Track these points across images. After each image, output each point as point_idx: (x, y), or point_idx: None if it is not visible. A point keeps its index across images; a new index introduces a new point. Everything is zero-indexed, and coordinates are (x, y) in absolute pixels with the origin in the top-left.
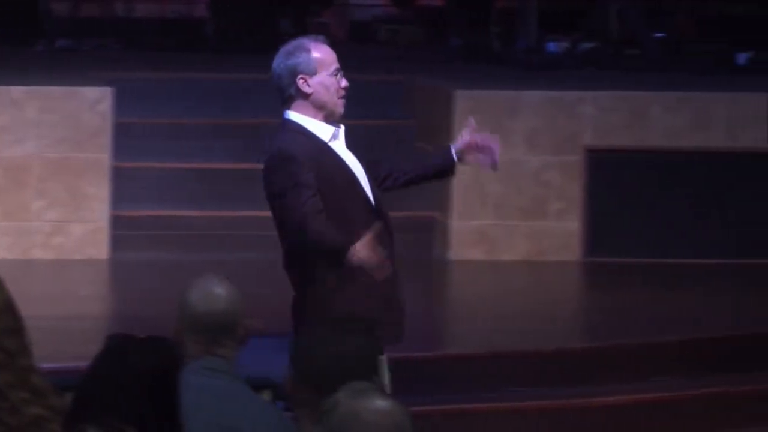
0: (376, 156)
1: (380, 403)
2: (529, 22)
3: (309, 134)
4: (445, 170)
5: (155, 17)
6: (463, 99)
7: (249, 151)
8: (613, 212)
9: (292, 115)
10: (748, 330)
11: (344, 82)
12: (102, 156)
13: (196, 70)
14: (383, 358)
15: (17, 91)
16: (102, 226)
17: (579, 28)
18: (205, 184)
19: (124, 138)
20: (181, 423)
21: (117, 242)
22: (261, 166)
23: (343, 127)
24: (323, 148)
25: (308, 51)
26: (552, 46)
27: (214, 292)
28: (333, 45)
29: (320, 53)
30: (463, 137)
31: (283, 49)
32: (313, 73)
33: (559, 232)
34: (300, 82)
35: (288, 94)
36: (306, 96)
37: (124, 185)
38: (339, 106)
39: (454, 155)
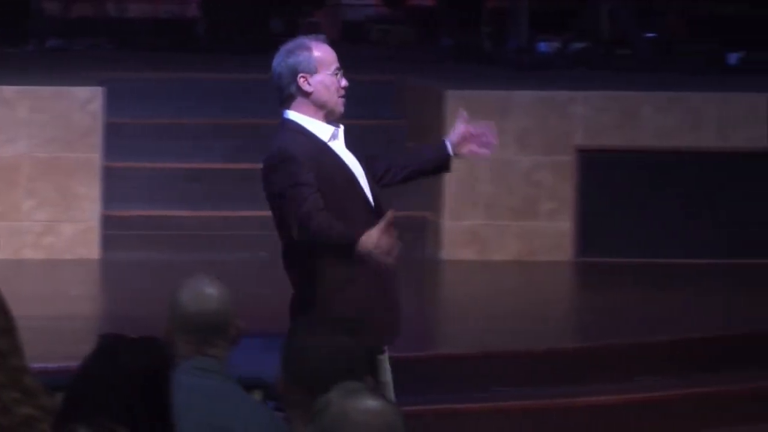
0: (372, 153)
1: (372, 403)
2: (520, 22)
3: (308, 134)
4: (440, 165)
5: (147, 17)
6: (454, 99)
7: (241, 152)
8: (605, 212)
9: (292, 115)
10: (738, 330)
11: (344, 82)
12: (93, 156)
13: (187, 70)
14: (385, 357)
15: (8, 90)
16: (93, 226)
17: (570, 28)
18: (196, 184)
19: (115, 138)
20: (173, 423)
21: (108, 242)
22: (253, 166)
23: (342, 127)
24: (323, 148)
25: (309, 50)
26: (543, 46)
27: (205, 292)
28: None
29: (321, 52)
30: (456, 128)
31: (284, 48)
32: (313, 71)
33: (550, 232)
34: (301, 81)
35: (288, 92)
36: (306, 95)
37: (115, 185)
38: (339, 105)
39: (449, 149)
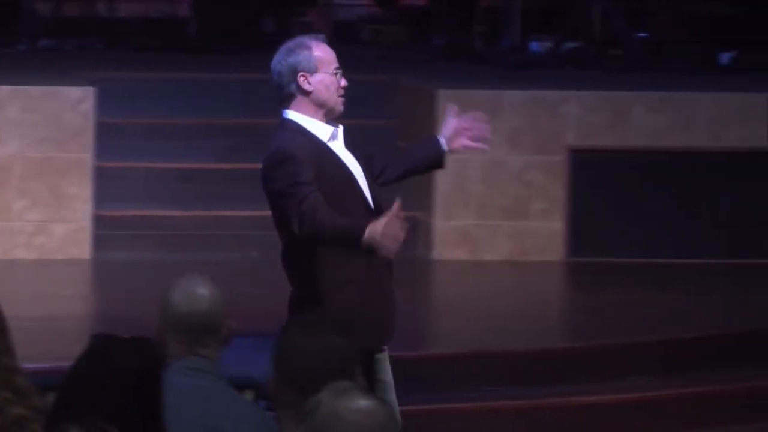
0: (368, 151)
1: (363, 403)
2: (512, 21)
3: (308, 134)
4: (435, 162)
5: (138, 17)
6: (445, 99)
7: (233, 151)
8: (596, 212)
9: (291, 114)
10: (731, 329)
11: (344, 82)
12: (84, 156)
13: (179, 69)
14: (385, 356)
15: None
16: (84, 226)
17: (562, 27)
18: (187, 184)
19: (107, 138)
20: (164, 423)
21: (99, 242)
22: (245, 165)
23: (341, 127)
24: (322, 149)
25: (309, 49)
26: (535, 46)
27: (197, 293)
28: None
29: (321, 52)
30: (448, 123)
31: (284, 47)
32: (314, 71)
33: (541, 232)
34: (301, 80)
35: (288, 91)
36: (306, 94)
37: (107, 185)
38: (339, 105)
39: (444, 145)
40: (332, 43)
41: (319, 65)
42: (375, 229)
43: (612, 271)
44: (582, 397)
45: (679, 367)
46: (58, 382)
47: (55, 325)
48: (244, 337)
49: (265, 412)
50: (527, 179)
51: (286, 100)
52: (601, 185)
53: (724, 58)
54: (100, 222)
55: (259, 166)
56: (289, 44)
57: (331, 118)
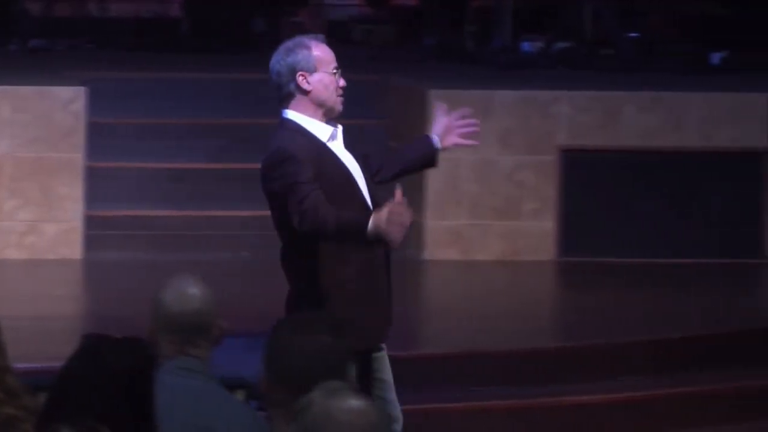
0: (365, 150)
1: (354, 403)
2: (504, 21)
3: (307, 134)
4: (428, 161)
5: (129, 17)
6: (437, 99)
7: (224, 151)
8: (588, 212)
9: (291, 114)
10: (720, 329)
11: (342, 81)
12: (75, 156)
13: (170, 70)
14: (384, 355)
15: None
16: (75, 226)
17: (553, 27)
18: (179, 184)
19: (98, 138)
20: (156, 423)
21: (90, 242)
22: (237, 165)
23: (341, 127)
24: (322, 149)
25: (308, 48)
26: (526, 46)
27: (189, 292)
28: None
29: (320, 51)
30: (438, 121)
31: (283, 47)
32: (312, 70)
33: (533, 232)
34: (299, 79)
35: (287, 91)
36: (305, 93)
37: (98, 185)
38: (338, 104)
39: (437, 143)
40: None
41: (318, 65)
42: (380, 217)
43: (603, 270)
44: (573, 396)
45: (669, 367)
46: (49, 382)
47: (47, 325)
48: (235, 337)
49: (257, 412)
50: (519, 179)
51: (286, 100)
52: (592, 185)
53: (716, 58)
54: (91, 222)
55: (251, 165)
56: (289, 44)
57: (330, 118)
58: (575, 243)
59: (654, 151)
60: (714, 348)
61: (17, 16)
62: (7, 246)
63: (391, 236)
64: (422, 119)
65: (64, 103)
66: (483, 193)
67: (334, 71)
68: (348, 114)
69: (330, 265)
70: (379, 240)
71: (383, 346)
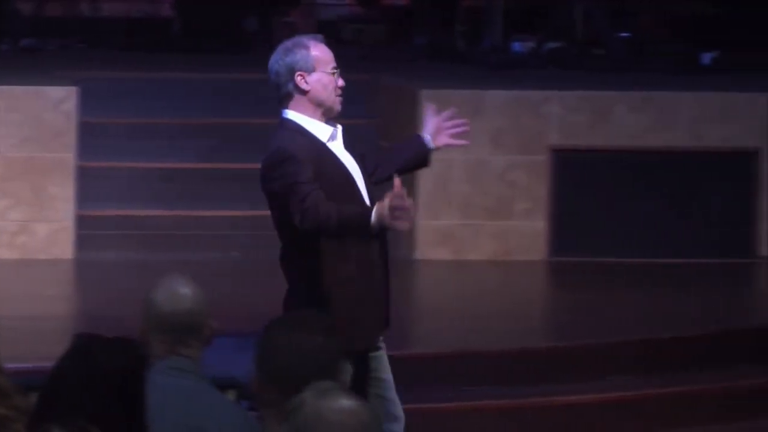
0: (360, 150)
1: (346, 403)
2: (494, 21)
3: (307, 134)
4: (421, 160)
5: (121, 17)
6: (427, 98)
7: (215, 151)
8: (579, 212)
9: (290, 114)
10: (711, 329)
11: (341, 81)
12: (66, 155)
13: (162, 69)
14: (383, 354)
15: None
16: (67, 226)
17: (544, 27)
18: (170, 184)
19: (89, 138)
20: (147, 423)
21: (82, 242)
22: (228, 165)
23: (340, 127)
24: (321, 149)
25: (307, 48)
26: (517, 46)
27: (180, 292)
28: None
29: (318, 51)
30: (429, 122)
31: (282, 47)
32: (311, 70)
33: (525, 232)
34: (298, 79)
35: (286, 91)
36: (304, 93)
37: (89, 185)
38: (337, 104)
39: (430, 143)
40: None
41: (316, 64)
42: (382, 207)
43: (595, 270)
44: (564, 396)
45: (660, 367)
46: (40, 382)
47: (38, 325)
48: (226, 337)
49: (248, 412)
50: (510, 179)
51: (285, 100)
52: (583, 185)
53: (706, 58)
54: (82, 222)
55: (242, 165)
56: (287, 44)
57: (329, 118)
58: (567, 243)
59: (645, 150)
60: (704, 348)
61: (8, 15)
62: None
63: (397, 224)
64: (413, 119)
65: (55, 103)
66: (474, 193)
67: (333, 71)
68: (338, 113)
69: (331, 263)
70: (383, 231)
71: (382, 345)
